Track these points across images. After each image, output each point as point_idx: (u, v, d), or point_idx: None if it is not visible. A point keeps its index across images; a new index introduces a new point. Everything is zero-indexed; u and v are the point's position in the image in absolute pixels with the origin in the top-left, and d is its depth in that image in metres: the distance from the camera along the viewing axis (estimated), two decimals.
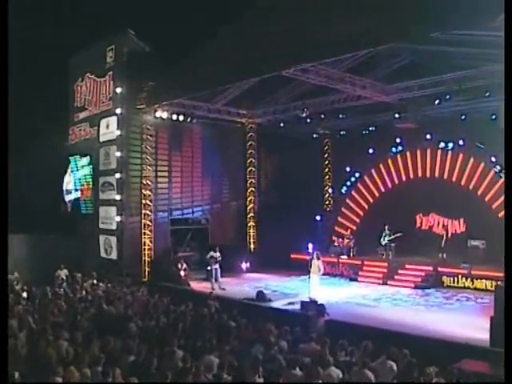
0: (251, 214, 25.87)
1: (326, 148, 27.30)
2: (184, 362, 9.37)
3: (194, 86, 19.01)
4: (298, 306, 15.59)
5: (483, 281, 18.21)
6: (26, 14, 24.27)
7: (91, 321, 13.07)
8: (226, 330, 11.97)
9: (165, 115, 21.90)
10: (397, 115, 20.46)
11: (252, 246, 25.76)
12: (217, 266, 19.51)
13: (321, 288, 17.67)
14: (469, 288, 18.47)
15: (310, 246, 22.96)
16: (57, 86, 25.90)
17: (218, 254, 19.62)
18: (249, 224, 25.81)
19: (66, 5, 24.70)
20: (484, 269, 18.32)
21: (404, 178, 23.55)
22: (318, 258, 17.49)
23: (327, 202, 27.11)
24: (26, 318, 12.98)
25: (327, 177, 27.44)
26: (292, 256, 23.37)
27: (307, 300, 15.68)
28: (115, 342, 10.44)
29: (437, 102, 19.06)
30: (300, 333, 11.93)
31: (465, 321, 14.05)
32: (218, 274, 19.61)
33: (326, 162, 27.48)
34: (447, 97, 18.60)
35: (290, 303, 16.33)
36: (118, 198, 22.05)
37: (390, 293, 18.60)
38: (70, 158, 25.36)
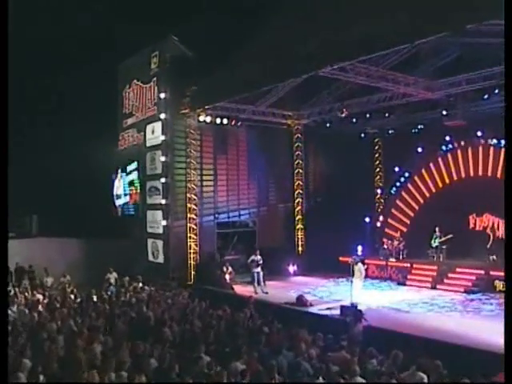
0: (299, 217, 25.60)
1: (376, 147, 26.75)
2: (209, 368, 9.29)
3: (234, 89, 18.98)
4: (337, 311, 15.22)
5: None
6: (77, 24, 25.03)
7: (128, 325, 13.22)
8: (257, 336, 11.79)
9: (208, 119, 22.11)
10: (445, 112, 19.79)
11: (300, 248, 25.46)
12: (258, 269, 19.33)
13: (363, 292, 17.30)
14: None
15: (360, 248, 22.48)
16: (109, 93, 26.54)
17: (258, 257, 19.44)
18: (297, 226, 25.55)
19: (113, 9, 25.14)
20: None
21: (455, 177, 22.62)
22: (359, 263, 17.06)
23: (377, 203, 26.46)
24: (67, 320, 13.31)
25: (378, 177, 26.88)
26: (340, 259, 22.84)
27: (347, 305, 15.24)
28: (145, 347, 10.49)
29: (486, 96, 18.23)
30: (332, 340, 11.60)
31: None
32: (261, 278, 19.43)
33: (377, 162, 26.94)
34: (496, 91, 17.73)
35: (328, 308, 15.98)
36: (163, 202, 22.32)
37: (436, 298, 17.90)
38: (120, 163, 25.86)
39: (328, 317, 15.15)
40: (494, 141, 20.78)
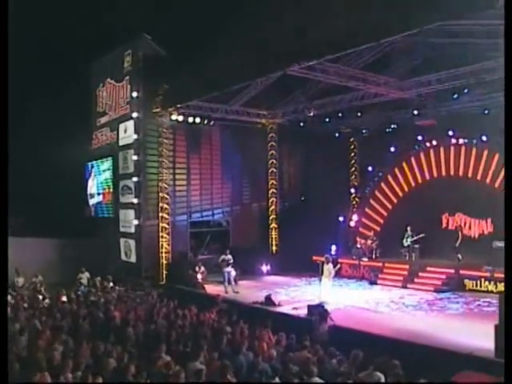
0: (273, 216, 25.57)
1: (351, 147, 26.66)
2: (167, 368, 9.22)
3: (204, 88, 18.84)
4: (304, 311, 15.15)
5: None
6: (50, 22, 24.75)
7: (92, 325, 13.09)
8: (220, 336, 11.71)
9: (181, 118, 22.03)
10: (416, 112, 19.90)
11: (274, 248, 25.41)
12: (229, 268, 19.26)
13: (334, 292, 17.30)
14: (492, 292, 17.46)
15: (334, 247, 22.57)
16: (83, 92, 26.35)
17: (229, 257, 19.38)
18: (270, 226, 25.49)
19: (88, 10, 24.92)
20: None
21: (428, 176, 22.66)
22: (328, 262, 17.10)
23: (351, 203, 26.40)
24: (32, 321, 13.16)
25: (353, 176, 26.77)
26: (314, 258, 22.79)
27: (314, 304, 15.19)
28: (105, 347, 10.39)
29: (455, 96, 18.33)
30: (295, 340, 11.55)
31: (478, 328, 12.96)
32: (231, 277, 19.37)
33: (352, 162, 26.83)
34: (465, 91, 17.84)
35: (294, 308, 15.93)
36: (135, 201, 22.22)
37: (405, 297, 17.90)
38: (94, 162, 25.67)
39: (294, 316, 15.10)
40: (465, 140, 20.90)
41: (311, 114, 20.10)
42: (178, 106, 21.17)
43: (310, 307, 14.93)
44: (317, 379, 8.76)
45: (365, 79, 18.15)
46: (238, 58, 16.47)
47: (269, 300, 16.68)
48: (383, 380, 8.85)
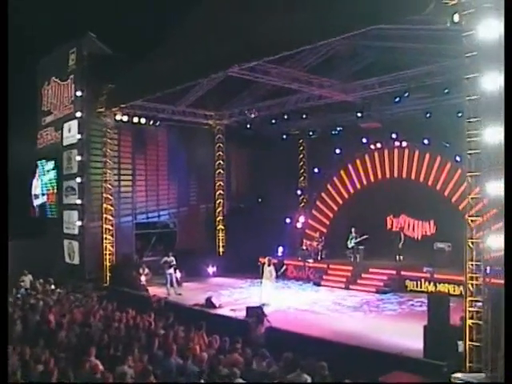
0: (220, 217, 25.40)
1: (300, 149, 26.81)
2: (93, 372, 9.06)
3: (147, 88, 18.57)
4: (244, 313, 15.08)
5: (446, 285, 17.53)
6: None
7: (25, 329, 12.79)
8: (152, 339, 11.56)
9: (125, 118, 21.65)
10: (359, 114, 20.09)
11: (221, 249, 25.27)
12: (171, 270, 19.04)
13: (277, 293, 17.29)
14: (431, 292, 17.75)
15: (280, 249, 22.63)
16: (29, 90, 25.76)
17: (171, 259, 19.18)
18: (217, 227, 25.33)
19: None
20: (448, 272, 17.55)
21: (373, 178, 23.01)
22: (270, 264, 17.10)
23: (299, 204, 26.52)
24: None
25: (302, 178, 26.91)
26: (261, 260, 22.76)
27: (253, 306, 15.13)
28: (33, 351, 10.15)
29: (397, 99, 18.60)
30: (228, 342, 11.48)
31: (410, 329, 12.90)
32: (173, 279, 19.15)
33: (301, 164, 26.96)
34: (406, 94, 18.11)
35: (232, 309, 15.87)
36: (79, 202, 21.85)
37: (347, 298, 18.03)
38: (38, 162, 25.12)
39: (232, 318, 15.01)
40: (408, 143, 21.23)
41: (253, 116, 20.10)
42: (122, 106, 20.81)
43: (248, 309, 14.87)
44: (239, 380, 8.73)
45: (309, 81, 18.30)
46: (180, 59, 16.25)
47: (209, 302, 16.55)
48: (309, 381, 8.88)
